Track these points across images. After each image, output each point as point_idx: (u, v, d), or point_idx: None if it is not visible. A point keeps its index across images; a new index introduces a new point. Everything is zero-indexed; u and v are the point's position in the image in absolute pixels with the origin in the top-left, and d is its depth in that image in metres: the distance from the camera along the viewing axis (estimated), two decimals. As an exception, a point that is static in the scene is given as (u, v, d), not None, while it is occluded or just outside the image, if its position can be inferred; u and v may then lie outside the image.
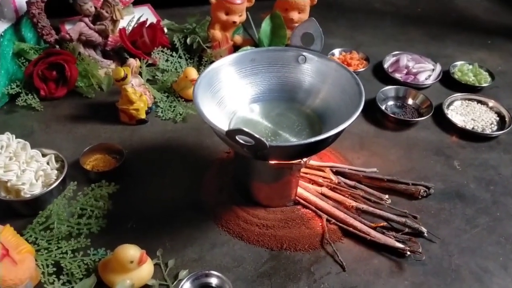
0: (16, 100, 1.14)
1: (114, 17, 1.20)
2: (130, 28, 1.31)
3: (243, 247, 0.84)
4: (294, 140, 0.81)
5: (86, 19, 1.18)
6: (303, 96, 0.90)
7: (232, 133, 0.67)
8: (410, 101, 1.19)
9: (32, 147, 0.91)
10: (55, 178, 0.89)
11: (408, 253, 0.81)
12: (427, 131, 1.12)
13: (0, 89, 1.13)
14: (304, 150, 0.75)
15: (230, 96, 0.88)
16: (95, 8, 1.19)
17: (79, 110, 1.16)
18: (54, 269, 0.78)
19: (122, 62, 1.25)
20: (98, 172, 0.95)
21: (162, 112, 1.14)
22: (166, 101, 1.17)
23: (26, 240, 0.81)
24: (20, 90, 1.16)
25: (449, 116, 1.14)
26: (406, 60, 1.32)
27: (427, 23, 1.65)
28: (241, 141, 0.68)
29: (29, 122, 1.12)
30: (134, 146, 1.05)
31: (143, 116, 1.09)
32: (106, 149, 1.00)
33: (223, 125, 0.84)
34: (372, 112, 1.15)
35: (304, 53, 0.89)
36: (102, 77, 1.20)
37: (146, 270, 0.76)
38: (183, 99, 1.18)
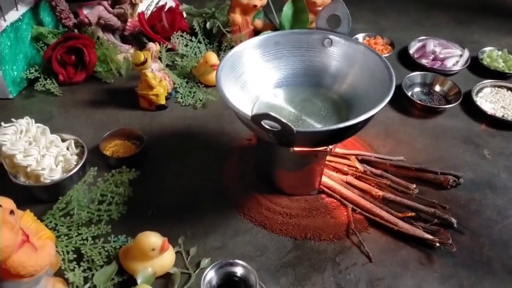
0: (35, 85, 1.13)
1: (133, 1, 1.18)
2: (149, 12, 1.28)
3: (266, 236, 0.82)
4: (320, 126, 0.79)
5: (105, 3, 1.16)
6: (329, 81, 0.86)
7: (257, 118, 0.64)
8: (437, 88, 1.15)
9: (51, 132, 0.90)
10: (75, 163, 0.87)
11: (438, 244, 0.78)
12: (455, 119, 1.08)
13: (18, 73, 1.12)
14: (331, 137, 0.72)
15: (254, 80, 0.85)
16: (114, -9, 1.17)
17: (98, 96, 1.14)
18: (75, 255, 0.76)
19: (141, 47, 1.23)
20: (118, 158, 0.93)
21: (181, 98, 1.12)
22: (186, 86, 1.15)
23: (46, 226, 0.80)
24: (38, 75, 1.14)
25: (478, 103, 1.10)
26: (433, 45, 1.27)
27: (452, 7, 1.59)
28: (266, 126, 0.66)
29: (47, 107, 1.10)
30: (153, 132, 1.03)
31: (162, 101, 1.07)
32: (126, 135, 0.98)
33: (246, 110, 0.82)
34: (397, 99, 1.11)
35: (331, 36, 0.86)
36: (121, 62, 1.18)
37: (168, 258, 0.74)
38: (203, 85, 1.16)
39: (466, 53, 1.26)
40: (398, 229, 0.80)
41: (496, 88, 1.16)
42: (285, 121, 0.62)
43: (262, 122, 0.65)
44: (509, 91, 1.15)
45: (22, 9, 1.12)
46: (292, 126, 0.63)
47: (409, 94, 1.11)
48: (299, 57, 0.88)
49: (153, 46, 1.05)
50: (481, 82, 1.16)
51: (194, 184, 0.91)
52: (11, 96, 1.11)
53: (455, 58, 1.24)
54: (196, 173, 0.93)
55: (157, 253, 0.72)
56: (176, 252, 0.77)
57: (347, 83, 0.84)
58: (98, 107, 1.10)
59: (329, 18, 0.86)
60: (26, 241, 0.67)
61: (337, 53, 0.86)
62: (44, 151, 0.85)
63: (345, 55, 0.85)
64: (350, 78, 0.84)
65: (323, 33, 0.86)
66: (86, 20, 1.14)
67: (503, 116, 1.07)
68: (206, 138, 1.02)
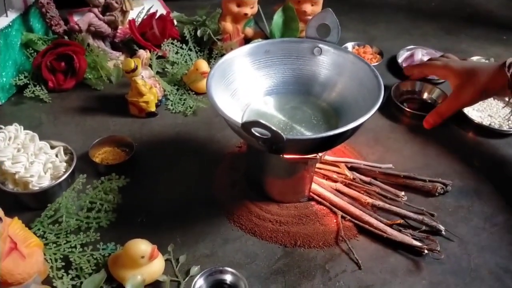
0: (24, 92, 1.13)
1: (124, 8, 1.18)
2: (140, 19, 1.29)
3: (256, 243, 0.82)
4: (310, 134, 0.79)
5: (96, 10, 1.16)
6: (319, 89, 0.87)
7: (247, 125, 0.65)
8: (425, 96, 1.17)
9: (40, 139, 0.89)
10: (64, 170, 0.87)
11: (426, 251, 0.79)
12: (443, 126, 1.09)
13: (7, 80, 1.11)
14: (321, 144, 0.73)
15: (244, 88, 0.86)
16: (105, -1, 1.17)
17: (87, 102, 1.14)
18: (63, 263, 0.76)
19: (131, 54, 1.23)
20: (107, 165, 0.93)
21: (172, 105, 1.12)
22: (176, 94, 1.15)
23: (34, 233, 0.79)
24: (28, 81, 1.14)
25: (465, 111, 1.11)
26: (420, 54, 1.29)
27: (441, 17, 1.62)
28: (256, 134, 0.66)
29: (37, 113, 1.10)
30: (143, 139, 1.03)
31: (153, 109, 1.07)
32: (116, 142, 0.98)
33: (237, 118, 0.82)
34: (387, 107, 1.13)
35: (320, 45, 0.87)
36: (111, 69, 1.18)
37: (157, 265, 0.74)
38: (193, 92, 1.16)
39: (454, 62, 1.28)
40: (387, 236, 0.81)
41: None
42: (275, 129, 0.63)
43: (252, 130, 0.65)
44: (495, 100, 1.17)
45: (12, 15, 1.11)
46: (282, 134, 0.63)
47: (398, 102, 1.12)
48: (289, 66, 0.89)
49: (144, 53, 1.05)
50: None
51: (184, 191, 0.91)
52: (0, 103, 1.11)
53: (442, 67, 1.26)
54: (186, 181, 0.93)
55: (146, 261, 0.71)
56: (166, 260, 0.77)
57: (336, 91, 0.85)
58: (88, 114, 1.10)
59: (318, 27, 0.87)
60: (14, 248, 0.67)
61: (326, 61, 0.87)
62: (32, 158, 0.85)
63: (334, 63, 0.86)
64: (340, 86, 0.85)
65: (313, 42, 0.87)
66: (76, 27, 1.14)
67: (489, 124, 1.09)
68: (196, 145, 1.02)
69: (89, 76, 1.16)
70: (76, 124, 1.07)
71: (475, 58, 1.31)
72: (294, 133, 0.79)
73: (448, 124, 1.10)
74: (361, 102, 0.79)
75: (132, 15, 1.26)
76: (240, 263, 0.78)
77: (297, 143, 0.70)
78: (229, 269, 0.65)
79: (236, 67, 0.85)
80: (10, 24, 1.10)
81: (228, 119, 0.70)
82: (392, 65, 1.31)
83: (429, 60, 1.18)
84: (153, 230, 0.83)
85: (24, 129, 0.90)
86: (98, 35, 1.20)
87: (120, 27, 1.22)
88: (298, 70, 0.89)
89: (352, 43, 1.35)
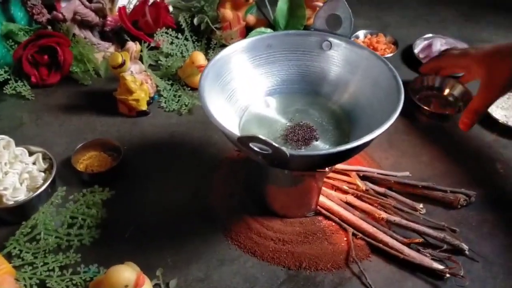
0: (4, 88, 1.03)
1: (112, -6, 1.08)
2: (131, 6, 1.18)
3: (256, 265, 0.73)
4: (317, 143, 0.69)
5: (82, -4, 1.06)
6: (328, 89, 0.77)
7: (245, 140, 0.55)
8: (446, 92, 1.06)
9: (20, 142, 0.81)
10: (43, 181, 0.78)
11: (448, 275, 0.70)
12: (464, 127, 0.99)
13: (-14, 75, 1.02)
14: (331, 159, 0.63)
15: (243, 88, 0.76)
16: (92, -16, 1.06)
17: (73, 99, 1.04)
18: (39, 290, 0.68)
19: (122, 44, 1.13)
20: (92, 173, 0.84)
21: (165, 103, 1.02)
22: (170, 90, 1.05)
23: (9, 253, 0.71)
24: (9, 77, 1.04)
25: (489, 110, 1.00)
26: (439, 44, 1.17)
27: (460, 2, 1.49)
28: (255, 149, 0.56)
29: (18, 112, 1.00)
30: (133, 141, 0.93)
31: (144, 107, 0.97)
32: (102, 145, 0.89)
33: (234, 123, 0.72)
34: (402, 105, 1.02)
35: (330, 38, 0.76)
36: (100, 62, 1.08)
37: (144, 293, 0.65)
38: (189, 88, 1.06)
39: (475, 53, 1.16)
40: (403, 257, 0.71)
41: (509, 94, 1.07)
42: (276, 145, 0.53)
43: (251, 145, 0.56)
44: (522, 96, 1.06)
45: (-10, 3, 1.02)
46: (285, 150, 0.54)
47: (415, 99, 1.01)
48: (294, 62, 0.78)
49: (133, 46, 0.95)
50: (492, 86, 1.06)
51: (177, 203, 0.82)
52: (-22, 100, 1.02)
53: (463, 58, 1.15)
54: (180, 190, 0.84)
55: (131, 290, 0.63)
56: (154, 285, 0.68)
57: (348, 92, 0.75)
58: (74, 112, 1.00)
59: (328, 18, 0.76)
60: (-22, 280, 0.59)
61: (337, 58, 0.76)
62: (6, 168, 0.76)
63: (346, 60, 0.76)
64: (352, 86, 0.75)
65: (322, 35, 0.77)
66: (60, 15, 1.04)
67: (517, 124, 0.98)
68: (191, 149, 0.93)
69: (76, 70, 1.07)
70: (60, 124, 0.98)
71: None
72: (299, 143, 0.69)
73: (470, 125, 1.00)
74: (377, 106, 0.69)
75: (122, 1, 1.16)
76: (237, 289, 0.69)
77: (303, 159, 0.60)
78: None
79: (233, 64, 0.74)
80: (-13, 13, 1.00)
81: (224, 131, 0.60)
82: (408, 56, 1.20)
83: (444, 51, 1.06)
84: (141, 248, 0.74)
85: (4, 130, 0.83)
86: (84, 24, 1.09)
87: (109, 15, 1.12)
88: (305, 67, 0.79)
89: (364, 31, 1.24)
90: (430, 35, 1.23)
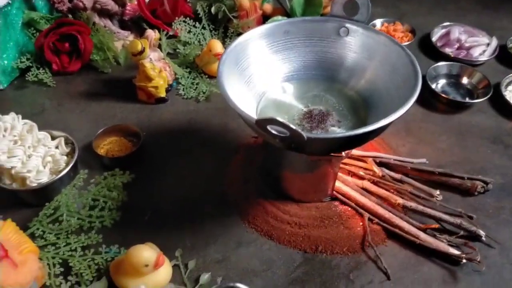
0: (26, 75, 1.05)
1: (131, -17, 1.09)
2: (150, -5, 1.19)
3: (273, 248, 0.74)
4: (334, 128, 0.70)
5: (101, -15, 1.07)
6: (345, 75, 0.77)
7: (262, 123, 0.56)
8: (465, 80, 1.05)
9: (42, 127, 0.83)
10: (65, 164, 0.80)
11: (464, 260, 0.70)
12: (482, 115, 0.99)
13: (9, 62, 1.04)
14: (347, 143, 0.63)
15: (260, 74, 0.77)
16: (111, -28, 1.08)
17: (94, 86, 1.06)
18: (62, 269, 0.70)
19: (141, 33, 1.14)
20: (112, 157, 0.85)
21: (183, 90, 1.03)
22: (188, 77, 1.06)
23: (33, 233, 0.74)
24: (31, 64, 1.06)
25: (508, 98, 1.00)
26: (458, 32, 1.16)
27: (478, -11, 1.47)
28: (273, 132, 0.57)
29: (40, 99, 1.03)
30: (152, 128, 0.95)
31: (162, 94, 0.99)
32: (122, 131, 0.91)
33: (252, 108, 0.73)
34: (420, 92, 1.01)
35: (347, 25, 0.76)
36: (119, 50, 1.10)
37: (163, 273, 0.67)
38: (206, 76, 1.07)
39: (494, 42, 1.15)
40: (419, 243, 0.72)
41: (527, 82, 1.06)
42: (294, 127, 0.54)
43: (268, 127, 0.57)
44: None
45: (12, -8, 1.04)
46: (302, 133, 0.54)
47: (433, 86, 1.01)
48: (311, 48, 0.79)
49: (152, 34, 0.96)
50: (510, 74, 1.05)
51: (194, 187, 0.83)
52: (1, 87, 1.04)
53: (482, 47, 1.14)
54: (197, 175, 0.85)
55: (151, 269, 0.65)
56: (173, 266, 0.70)
57: (365, 78, 0.75)
58: (94, 99, 1.02)
59: (345, 4, 0.76)
60: (5, 256, 0.61)
61: (354, 43, 0.77)
62: (30, 151, 0.78)
63: (363, 46, 0.76)
64: (369, 72, 0.75)
65: (339, 21, 0.77)
66: (80, 4, 1.05)
67: (536, 111, 0.97)
68: (209, 135, 0.94)
69: (96, 58, 1.09)
70: (81, 110, 1.00)
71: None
72: (316, 127, 0.70)
73: (489, 112, 0.99)
74: (394, 92, 0.69)
75: (141, -10, 1.17)
76: (254, 271, 0.71)
77: (320, 142, 0.61)
78: (241, 285, 0.57)
79: (251, 50, 0.75)
80: (10, 2, 1.02)
81: (241, 114, 0.61)
82: (425, 45, 1.19)
83: None
84: (161, 231, 0.76)
85: (27, 115, 0.84)
86: (104, 13, 1.11)
87: (128, 3, 1.13)
88: (322, 53, 0.79)
89: (381, 19, 1.23)
90: (448, 23, 1.22)
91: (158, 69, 0.97)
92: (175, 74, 1.04)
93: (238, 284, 0.58)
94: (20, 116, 0.82)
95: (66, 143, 0.83)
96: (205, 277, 0.69)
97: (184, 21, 1.13)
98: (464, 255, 0.70)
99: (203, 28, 1.16)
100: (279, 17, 1.17)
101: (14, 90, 1.05)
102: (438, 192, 0.79)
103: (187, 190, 0.83)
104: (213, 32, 1.17)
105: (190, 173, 0.86)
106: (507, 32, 1.22)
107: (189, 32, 1.14)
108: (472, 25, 1.21)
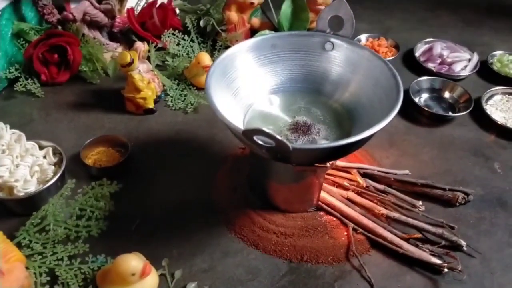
0: (15, 85, 1.06)
1: (121, -4, 1.11)
2: (139, 8, 1.21)
3: (259, 257, 0.75)
4: (319, 139, 0.72)
5: (91, -3, 1.09)
6: (330, 88, 0.79)
7: (249, 133, 0.57)
8: (447, 94, 1.08)
9: (30, 137, 0.83)
10: (53, 174, 0.80)
11: (446, 270, 0.72)
12: (463, 128, 1.01)
13: (-3, 72, 1.04)
14: (332, 153, 0.65)
15: (247, 86, 0.78)
16: (101, -15, 1.09)
17: (82, 97, 1.07)
18: (48, 278, 0.70)
19: (130, 45, 1.15)
20: (100, 167, 0.86)
21: (172, 102, 1.05)
22: (176, 89, 1.07)
23: (19, 243, 0.74)
24: (19, 74, 1.07)
25: (488, 112, 1.03)
26: (440, 48, 1.20)
27: (460, 7, 1.52)
28: (259, 142, 0.59)
29: (28, 109, 1.03)
30: (140, 138, 0.96)
31: (151, 105, 1.00)
32: (110, 141, 0.91)
33: (239, 119, 0.75)
34: (403, 106, 1.03)
35: (332, 39, 0.78)
36: (108, 62, 1.11)
37: (150, 282, 0.67)
38: (194, 87, 1.08)
39: (475, 57, 1.19)
40: (402, 252, 0.74)
41: (507, 96, 1.09)
42: (279, 138, 0.55)
43: (255, 138, 0.58)
44: (520, 99, 1.08)
45: (2, 3, 1.04)
46: (288, 143, 0.56)
47: (416, 100, 1.03)
48: (297, 62, 0.81)
49: (141, 46, 0.98)
50: (491, 89, 1.08)
51: (182, 197, 0.84)
52: (-11, 97, 1.04)
53: (463, 62, 1.17)
54: (185, 185, 0.86)
55: (137, 278, 0.65)
56: (160, 275, 0.71)
57: (349, 91, 0.77)
58: (82, 110, 1.03)
59: (330, 20, 0.79)
60: (-9, 265, 0.61)
61: (339, 58, 0.79)
62: (18, 160, 0.78)
63: (347, 60, 0.78)
64: (353, 86, 0.77)
65: (324, 35, 0.79)
66: (70, 16, 1.06)
67: (514, 126, 1.00)
68: (196, 146, 0.95)
69: (85, 69, 1.09)
70: (69, 120, 1.00)
71: (497, 53, 1.22)
72: (301, 138, 0.72)
73: (470, 125, 1.02)
74: (377, 105, 0.71)
75: (131, 3, 1.18)
76: (240, 280, 0.71)
77: (305, 152, 0.63)
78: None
79: (238, 63, 0.77)
80: (0, 12, 1.02)
81: (228, 125, 0.62)
82: (409, 60, 1.22)
83: None
84: (147, 240, 0.77)
85: (15, 125, 0.84)
86: (94, 24, 1.12)
87: (118, 16, 1.15)
88: (308, 67, 0.81)
89: (366, 35, 1.26)
90: (431, 39, 1.25)
91: (147, 81, 0.98)
92: (164, 85, 1.05)
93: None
94: (8, 126, 0.82)
95: (54, 153, 0.84)
96: (191, 287, 0.70)
97: (173, 34, 1.15)
98: (446, 265, 0.72)
99: (192, 40, 1.18)
100: (267, 31, 1.19)
101: (2, 100, 1.05)
102: (420, 203, 0.81)
103: (174, 200, 0.84)
104: (201, 45, 1.19)
105: (178, 184, 0.87)
106: (488, 48, 1.26)
107: (178, 44, 1.15)
108: (454, 41, 1.25)
